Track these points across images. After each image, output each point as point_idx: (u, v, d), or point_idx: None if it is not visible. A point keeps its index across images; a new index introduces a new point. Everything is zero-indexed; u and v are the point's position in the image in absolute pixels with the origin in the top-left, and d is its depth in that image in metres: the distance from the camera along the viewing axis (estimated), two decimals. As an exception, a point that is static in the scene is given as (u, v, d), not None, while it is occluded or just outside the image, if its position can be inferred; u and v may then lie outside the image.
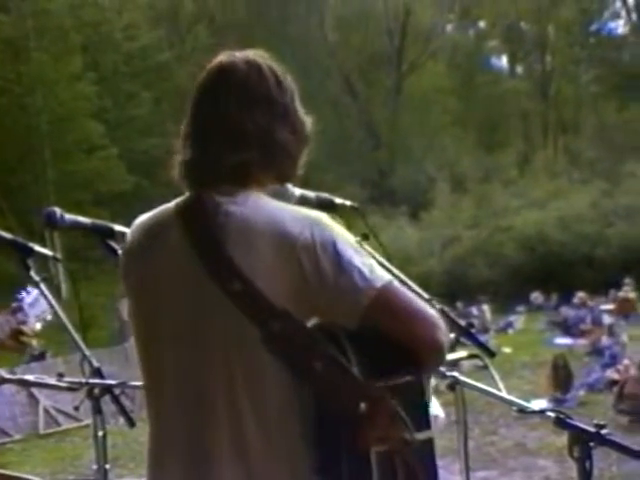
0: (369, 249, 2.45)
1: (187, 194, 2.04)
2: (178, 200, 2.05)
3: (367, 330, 1.88)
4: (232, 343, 1.89)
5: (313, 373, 1.83)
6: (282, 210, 1.94)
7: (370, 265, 1.90)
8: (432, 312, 1.92)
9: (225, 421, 1.89)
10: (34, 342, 3.20)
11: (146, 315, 2.06)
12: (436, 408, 4.46)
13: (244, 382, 1.88)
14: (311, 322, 1.91)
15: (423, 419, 1.91)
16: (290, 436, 1.89)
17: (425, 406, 1.94)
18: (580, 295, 25.43)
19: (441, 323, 1.91)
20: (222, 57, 2.07)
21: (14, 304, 3.17)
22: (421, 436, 1.88)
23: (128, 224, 2.37)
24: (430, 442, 1.92)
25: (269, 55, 2.10)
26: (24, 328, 3.10)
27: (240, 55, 2.06)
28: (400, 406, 1.82)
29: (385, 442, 1.82)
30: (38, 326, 3.15)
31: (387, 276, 1.91)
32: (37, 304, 3.16)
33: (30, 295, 3.14)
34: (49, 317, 3.11)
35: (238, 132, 1.97)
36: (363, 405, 1.81)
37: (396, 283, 1.91)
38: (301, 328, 1.86)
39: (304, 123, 2.06)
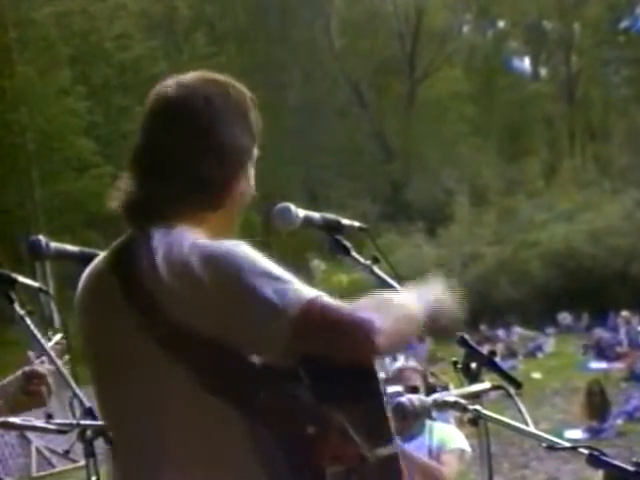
0: (380, 273, 2.43)
1: (122, 237, 2.12)
2: (114, 244, 2.13)
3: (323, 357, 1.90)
4: (170, 391, 1.95)
5: (258, 403, 1.88)
6: (192, 247, 1.95)
7: (283, 290, 1.86)
8: (357, 316, 1.85)
9: (179, 469, 1.96)
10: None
11: (94, 373, 2.17)
12: (462, 442, 4.48)
13: (189, 428, 1.94)
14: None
15: (384, 435, 1.96)
16: (249, 471, 1.92)
17: (385, 421, 1.97)
18: (624, 314, 25.07)
19: (370, 324, 1.83)
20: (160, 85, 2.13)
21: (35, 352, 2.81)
22: (383, 452, 1.93)
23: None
24: (394, 458, 1.96)
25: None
26: (39, 369, 2.79)
27: (173, 81, 2.11)
28: (358, 423, 1.88)
29: (340, 461, 1.89)
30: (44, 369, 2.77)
31: (303, 296, 1.86)
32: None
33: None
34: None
35: (152, 166, 2.05)
36: (311, 427, 1.87)
37: (315, 301, 1.86)
38: (236, 361, 1.91)
39: (234, 144, 2.06)
